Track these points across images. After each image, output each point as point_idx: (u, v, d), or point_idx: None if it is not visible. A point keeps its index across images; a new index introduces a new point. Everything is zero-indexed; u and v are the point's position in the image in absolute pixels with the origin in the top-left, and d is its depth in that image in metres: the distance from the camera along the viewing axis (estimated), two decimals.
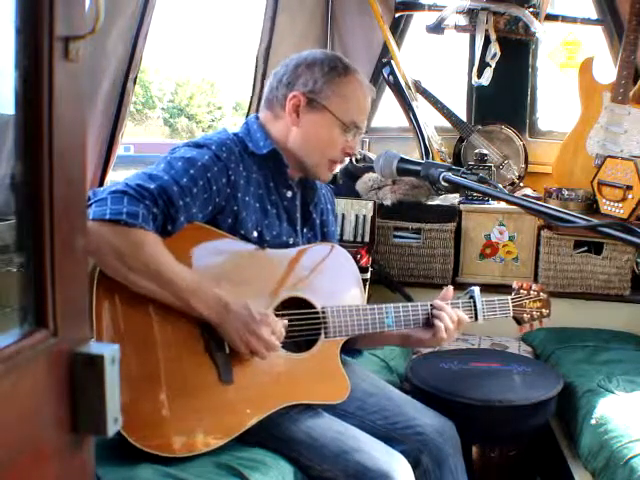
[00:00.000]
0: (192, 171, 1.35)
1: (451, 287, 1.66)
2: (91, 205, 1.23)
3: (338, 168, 1.60)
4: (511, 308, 1.76)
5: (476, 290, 1.68)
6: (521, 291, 1.81)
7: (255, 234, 1.47)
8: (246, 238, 1.45)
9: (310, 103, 1.48)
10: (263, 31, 2.91)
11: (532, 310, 1.80)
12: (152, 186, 1.28)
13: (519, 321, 1.80)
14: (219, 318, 1.31)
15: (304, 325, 1.46)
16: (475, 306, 1.67)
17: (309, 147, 1.51)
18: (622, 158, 2.68)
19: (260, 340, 1.33)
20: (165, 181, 1.30)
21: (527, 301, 1.80)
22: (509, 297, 1.77)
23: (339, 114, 1.48)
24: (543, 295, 1.84)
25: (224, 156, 1.42)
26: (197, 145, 1.43)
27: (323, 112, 1.48)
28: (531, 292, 1.82)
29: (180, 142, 1.50)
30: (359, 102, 1.52)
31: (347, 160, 1.58)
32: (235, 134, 1.52)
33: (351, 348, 1.70)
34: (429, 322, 1.60)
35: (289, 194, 1.57)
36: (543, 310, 1.83)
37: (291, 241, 1.56)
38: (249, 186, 1.47)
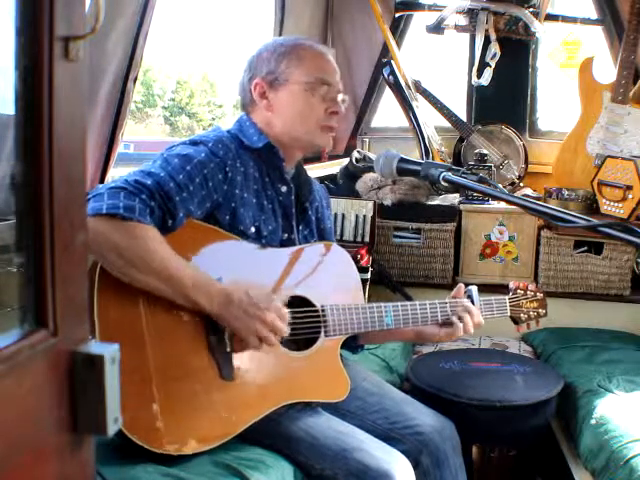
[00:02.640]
0: (188, 167, 1.35)
1: (462, 285, 1.70)
2: (89, 200, 1.23)
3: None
4: (508, 308, 1.77)
5: (474, 290, 1.69)
6: (518, 291, 1.82)
7: (253, 230, 1.48)
8: (244, 234, 1.45)
9: (272, 84, 1.52)
10: (274, 33, 2.94)
11: (529, 310, 1.81)
12: (149, 181, 1.28)
13: (516, 321, 1.81)
14: (221, 309, 1.30)
15: (304, 323, 1.46)
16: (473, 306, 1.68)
17: (292, 122, 1.52)
18: (622, 158, 2.68)
19: (266, 325, 1.31)
20: (161, 177, 1.31)
21: (524, 301, 1.81)
22: (506, 297, 1.78)
23: (301, 78, 1.50)
24: (539, 295, 1.85)
25: (221, 153, 1.42)
26: (193, 142, 1.43)
27: (286, 85, 1.51)
28: (528, 292, 1.83)
29: (179, 140, 1.51)
30: (316, 61, 1.54)
31: (336, 122, 1.56)
32: (228, 131, 1.54)
33: (356, 344, 1.71)
34: (447, 319, 1.62)
35: (284, 189, 1.57)
36: (540, 310, 1.84)
37: (285, 236, 1.57)
38: (247, 182, 1.48)
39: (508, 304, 1.77)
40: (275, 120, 1.53)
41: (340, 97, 1.54)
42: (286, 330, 1.35)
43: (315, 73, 1.51)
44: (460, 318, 1.61)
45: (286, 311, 1.37)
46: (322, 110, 1.52)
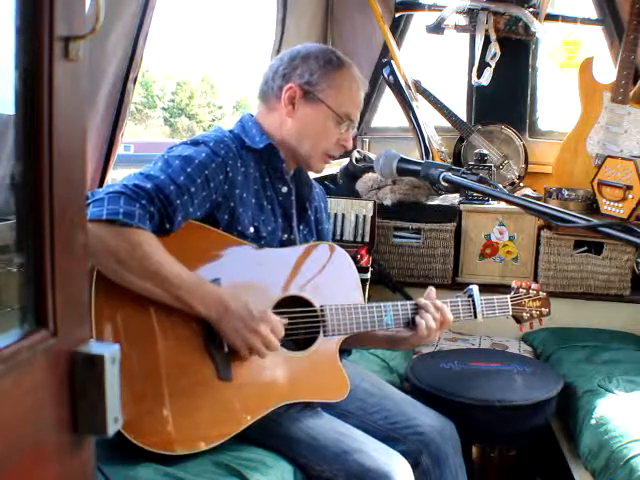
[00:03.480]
0: (189, 169, 1.35)
1: (433, 288, 1.62)
2: (88, 205, 1.23)
3: (334, 165, 1.61)
4: (510, 307, 1.77)
5: (475, 289, 1.68)
6: (520, 290, 1.81)
7: (252, 230, 1.48)
8: (243, 234, 1.45)
9: (306, 95, 1.50)
10: (275, 35, 2.94)
11: (532, 309, 1.81)
12: (148, 185, 1.28)
13: (518, 320, 1.80)
14: (218, 317, 1.30)
15: (303, 323, 1.46)
16: (474, 305, 1.67)
17: (303, 138, 1.52)
18: (622, 158, 2.68)
19: (259, 337, 1.32)
20: (161, 180, 1.30)
21: (526, 300, 1.81)
22: (508, 296, 1.78)
23: (334, 107, 1.50)
24: (542, 294, 1.85)
25: (222, 153, 1.41)
26: (194, 143, 1.43)
27: (318, 104, 1.50)
28: (530, 291, 1.82)
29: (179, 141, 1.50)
30: (353, 95, 1.54)
31: (341, 153, 1.58)
32: (230, 131, 1.53)
33: (342, 348, 1.70)
34: (412, 321, 1.56)
35: (284, 189, 1.57)
36: (543, 309, 1.83)
37: (285, 237, 1.57)
38: (247, 182, 1.48)
39: (510, 303, 1.77)
40: (289, 126, 1.52)
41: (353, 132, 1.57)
42: (278, 345, 1.36)
43: (347, 108, 1.52)
44: (421, 317, 1.54)
45: (281, 325, 1.37)
46: (334, 140, 1.54)
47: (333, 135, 1.53)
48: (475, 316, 1.67)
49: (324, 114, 1.51)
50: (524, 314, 1.80)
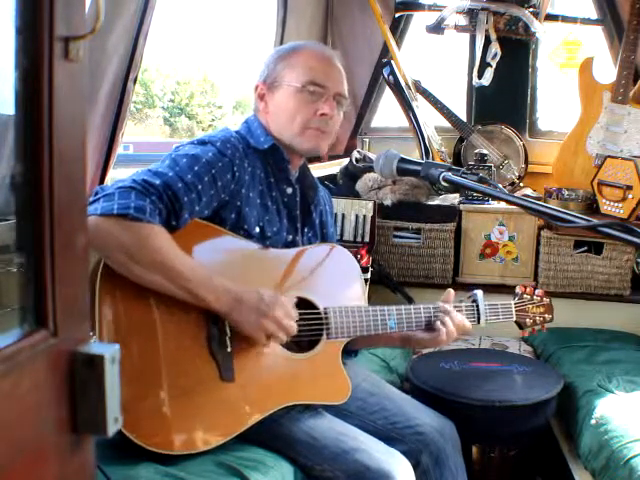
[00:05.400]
0: (196, 168, 1.36)
1: (452, 290, 1.68)
2: (99, 200, 1.23)
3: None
4: (514, 313, 1.77)
5: (479, 294, 1.68)
6: (524, 296, 1.80)
7: (257, 230, 1.48)
8: (248, 234, 1.46)
9: (270, 87, 1.55)
10: (276, 35, 2.95)
11: (535, 315, 1.80)
12: (157, 182, 1.29)
13: (521, 326, 1.80)
14: (230, 307, 1.31)
15: (306, 325, 1.46)
16: (478, 310, 1.68)
17: (282, 124, 1.53)
18: (622, 158, 2.68)
19: (275, 321, 1.33)
20: (170, 177, 1.31)
21: (530, 306, 1.80)
22: (512, 302, 1.77)
23: (293, 81, 1.51)
24: (546, 300, 1.84)
25: (229, 152, 1.43)
26: (201, 142, 1.44)
27: (280, 87, 1.53)
28: (534, 297, 1.82)
29: (180, 141, 1.51)
30: (311, 64, 1.53)
31: (329, 125, 1.53)
32: (237, 132, 1.55)
33: (349, 349, 1.70)
34: (430, 324, 1.61)
35: (289, 190, 1.57)
36: (546, 315, 1.83)
37: (290, 238, 1.57)
38: (253, 182, 1.49)
39: (514, 309, 1.77)
40: (271, 122, 1.55)
41: (336, 100, 1.53)
42: (295, 328, 1.36)
43: (307, 75, 1.51)
44: (443, 322, 1.59)
45: (295, 311, 1.37)
46: (311, 112, 1.51)
47: (306, 107, 1.50)
48: (478, 322, 1.68)
49: (287, 93, 1.52)
50: (527, 320, 1.79)
